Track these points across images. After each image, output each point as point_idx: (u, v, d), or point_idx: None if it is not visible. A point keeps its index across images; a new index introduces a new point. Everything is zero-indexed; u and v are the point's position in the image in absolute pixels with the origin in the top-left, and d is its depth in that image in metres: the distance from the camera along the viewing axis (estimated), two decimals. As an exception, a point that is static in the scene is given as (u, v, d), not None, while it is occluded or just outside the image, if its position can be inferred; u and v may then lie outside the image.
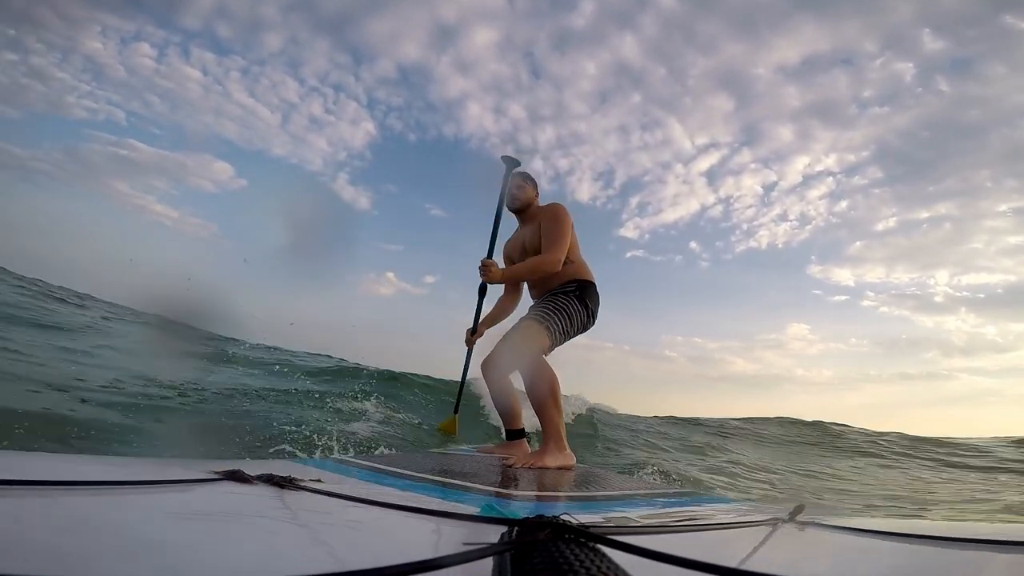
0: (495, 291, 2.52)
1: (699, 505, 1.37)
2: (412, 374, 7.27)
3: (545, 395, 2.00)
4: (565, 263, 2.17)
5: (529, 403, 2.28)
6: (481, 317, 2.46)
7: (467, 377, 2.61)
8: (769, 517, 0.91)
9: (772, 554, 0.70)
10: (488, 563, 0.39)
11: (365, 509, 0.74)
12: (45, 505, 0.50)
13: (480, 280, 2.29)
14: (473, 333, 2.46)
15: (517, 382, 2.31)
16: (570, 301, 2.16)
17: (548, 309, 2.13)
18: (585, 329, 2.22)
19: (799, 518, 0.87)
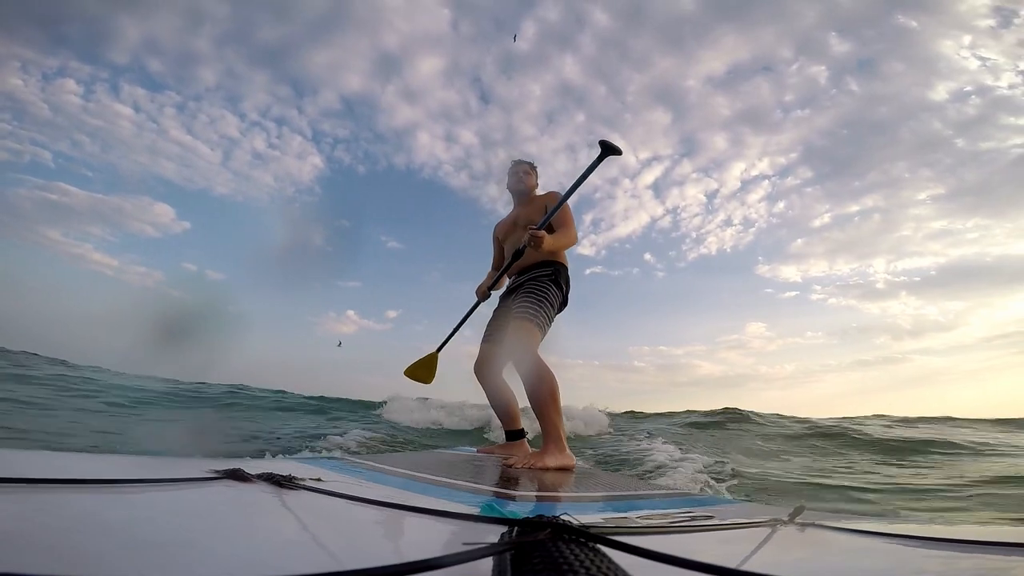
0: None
1: (699, 505, 1.36)
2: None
3: (545, 397, 2.00)
4: None
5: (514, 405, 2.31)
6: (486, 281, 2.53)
7: (462, 327, 2.54)
8: (769, 518, 0.91)
9: (772, 555, 0.70)
10: (488, 563, 0.39)
11: (365, 509, 0.74)
12: (45, 503, 0.50)
13: (521, 246, 2.27)
14: (491, 288, 2.46)
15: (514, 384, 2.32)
16: (548, 287, 2.22)
17: (531, 303, 2.16)
18: (560, 310, 2.29)
19: (799, 519, 0.87)
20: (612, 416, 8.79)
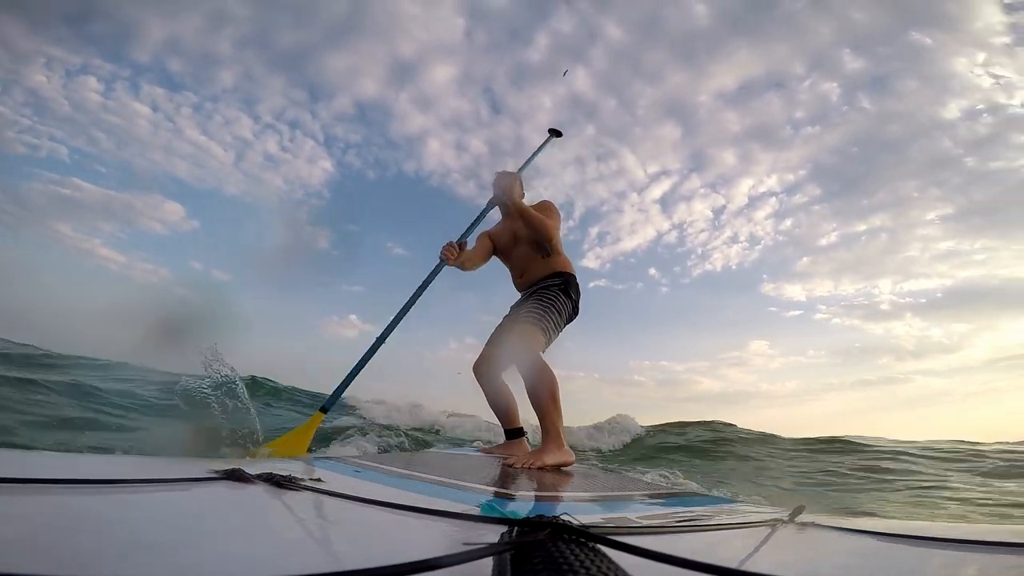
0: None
1: (699, 505, 1.36)
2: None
3: (545, 396, 2.01)
4: (553, 255, 2.29)
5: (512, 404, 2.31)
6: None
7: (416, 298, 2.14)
8: (769, 517, 0.91)
9: (772, 554, 0.70)
10: (488, 563, 0.39)
11: (365, 509, 0.74)
12: (45, 503, 0.50)
13: (494, 195, 2.38)
14: (459, 247, 2.25)
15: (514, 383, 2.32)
16: (556, 296, 2.22)
17: (538, 309, 2.18)
18: (570, 320, 2.29)
19: (799, 518, 0.87)
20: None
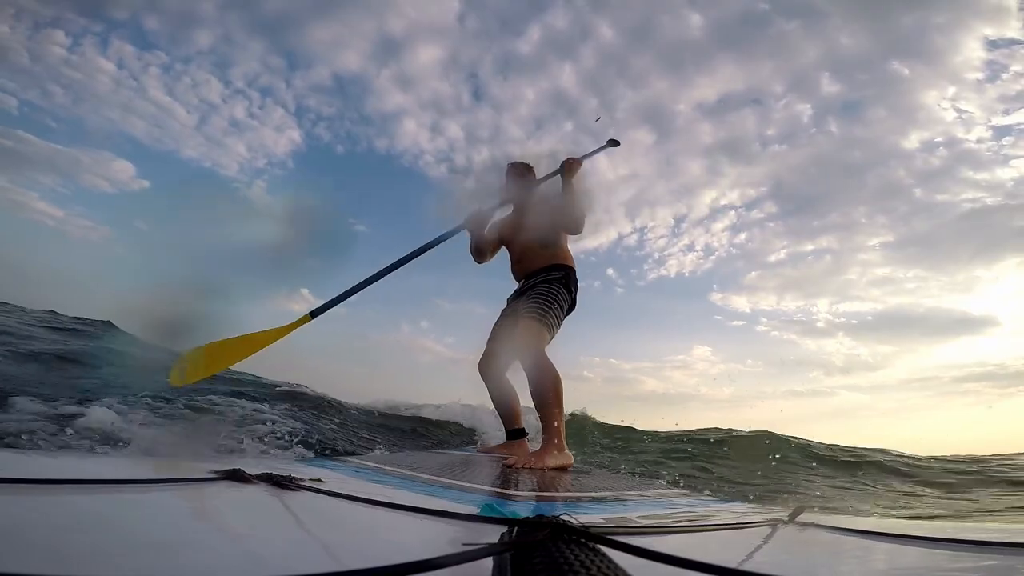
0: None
1: (699, 505, 1.36)
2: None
3: (549, 396, 2.00)
4: (554, 246, 2.29)
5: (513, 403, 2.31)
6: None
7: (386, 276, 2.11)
8: (769, 518, 0.91)
9: (772, 555, 0.70)
10: (488, 563, 0.39)
11: (365, 509, 0.74)
12: (45, 503, 0.50)
13: (555, 171, 2.34)
14: (480, 231, 2.34)
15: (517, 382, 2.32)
16: (557, 289, 2.22)
17: (540, 304, 2.17)
18: (569, 312, 2.29)
19: (799, 519, 0.87)
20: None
